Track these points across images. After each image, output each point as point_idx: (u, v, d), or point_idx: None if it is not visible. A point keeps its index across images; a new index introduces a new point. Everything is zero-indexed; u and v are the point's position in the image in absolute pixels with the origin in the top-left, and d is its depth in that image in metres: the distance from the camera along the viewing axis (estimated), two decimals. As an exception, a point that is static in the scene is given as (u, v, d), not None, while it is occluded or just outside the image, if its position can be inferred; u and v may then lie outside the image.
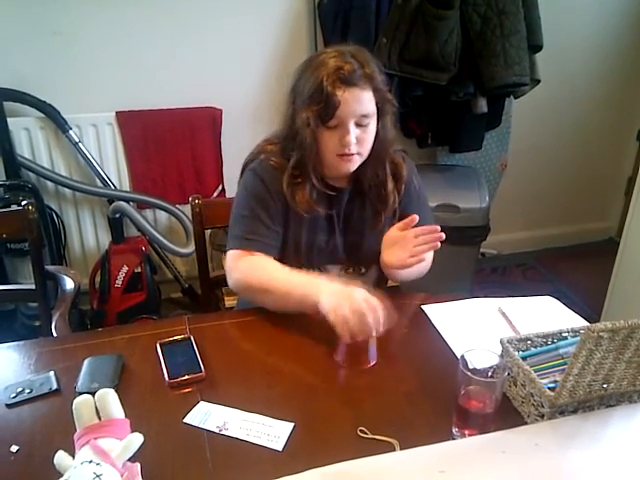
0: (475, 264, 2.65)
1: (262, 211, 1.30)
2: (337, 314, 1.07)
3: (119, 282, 2.37)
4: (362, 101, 1.22)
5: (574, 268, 3.10)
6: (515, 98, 2.53)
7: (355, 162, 1.28)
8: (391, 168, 1.36)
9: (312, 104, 1.21)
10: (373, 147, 1.29)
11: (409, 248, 1.23)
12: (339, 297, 1.10)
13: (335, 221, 1.37)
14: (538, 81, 2.48)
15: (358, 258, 1.41)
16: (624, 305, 2.26)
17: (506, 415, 0.96)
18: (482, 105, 2.39)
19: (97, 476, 0.77)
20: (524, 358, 1.00)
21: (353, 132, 1.23)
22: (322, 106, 1.20)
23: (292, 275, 1.23)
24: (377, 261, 1.37)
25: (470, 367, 0.93)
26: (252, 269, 1.26)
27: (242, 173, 1.40)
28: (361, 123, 1.24)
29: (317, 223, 1.35)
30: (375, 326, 1.06)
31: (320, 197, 1.32)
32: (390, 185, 1.35)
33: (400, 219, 1.37)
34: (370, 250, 1.38)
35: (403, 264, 1.24)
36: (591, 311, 2.45)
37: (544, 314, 1.27)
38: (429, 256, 1.35)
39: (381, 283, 1.49)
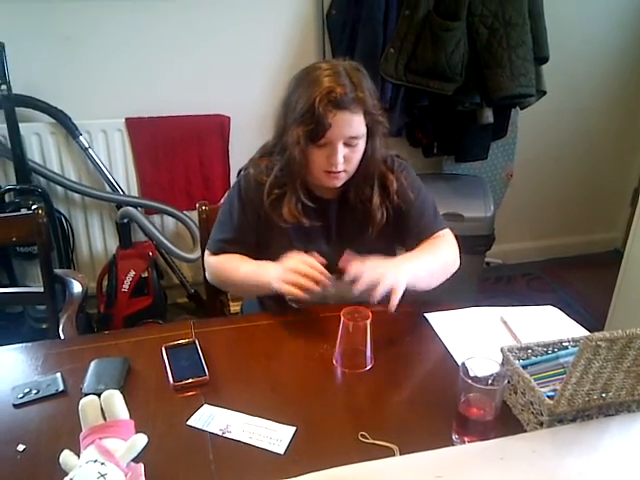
0: (480, 273, 2.65)
1: (232, 220, 1.38)
2: (282, 280, 1.19)
3: (126, 286, 2.39)
4: (352, 124, 1.23)
5: (579, 279, 3.10)
6: (521, 109, 2.54)
7: (341, 179, 1.30)
8: (380, 183, 1.36)
9: (303, 123, 1.22)
10: (361, 166, 1.31)
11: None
12: (280, 267, 1.22)
13: (327, 231, 1.39)
14: (544, 92, 2.49)
15: None
16: (628, 316, 2.26)
17: (505, 423, 0.97)
18: (488, 115, 2.40)
19: (102, 475, 0.79)
20: (524, 367, 1.01)
21: (341, 152, 1.24)
22: (313, 127, 1.21)
23: (248, 264, 1.34)
24: None
25: (471, 375, 0.94)
26: (219, 267, 1.39)
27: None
28: (350, 144, 1.25)
29: (309, 234, 1.37)
30: (316, 277, 1.17)
31: (307, 208, 1.33)
32: (377, 200, 1.35)
33: (399, 226, 1.38)
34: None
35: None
36: (595, 322, 2.45)
37: (546, 324, 1.28)
38: (451, 258, 1.38)
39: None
